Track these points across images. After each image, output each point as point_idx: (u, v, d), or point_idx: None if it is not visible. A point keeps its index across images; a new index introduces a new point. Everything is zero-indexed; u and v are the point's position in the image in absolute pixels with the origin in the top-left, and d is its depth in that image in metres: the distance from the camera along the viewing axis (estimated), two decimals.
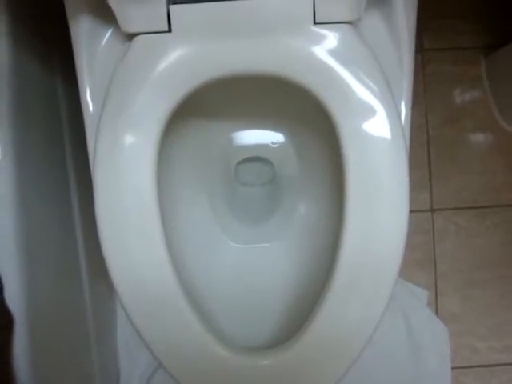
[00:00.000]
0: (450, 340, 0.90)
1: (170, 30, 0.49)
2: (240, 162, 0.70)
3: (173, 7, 0.49)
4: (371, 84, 0.50)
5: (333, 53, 0.50)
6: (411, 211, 0.50)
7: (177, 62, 0.49)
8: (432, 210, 0.93)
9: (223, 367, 0.49)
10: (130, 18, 0.49)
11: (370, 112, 0.50)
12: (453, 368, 0.91)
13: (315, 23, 0.50)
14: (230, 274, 0.67)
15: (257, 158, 0.70)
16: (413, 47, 0.54)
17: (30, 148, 0.58)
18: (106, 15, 0.51)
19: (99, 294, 0.80)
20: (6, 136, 0.53)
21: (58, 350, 0.64)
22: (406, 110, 0.55)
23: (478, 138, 0.94)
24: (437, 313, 0.93)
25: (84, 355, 0.74)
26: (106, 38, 0.53)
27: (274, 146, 0.69)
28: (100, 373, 0.78)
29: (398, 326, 0.89)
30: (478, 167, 0.93)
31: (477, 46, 0.93)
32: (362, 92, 0.50)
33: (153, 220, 0.50)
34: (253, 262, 0.68)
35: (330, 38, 0.50)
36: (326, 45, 0.50)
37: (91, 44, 0.53)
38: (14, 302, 0.53)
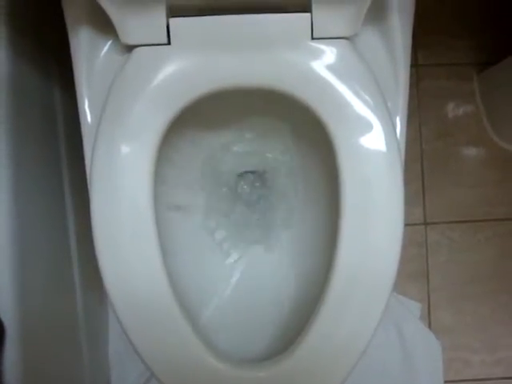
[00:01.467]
0: (443, 353, 0.90)
1: (169, 43, 0.50)
2: (236, 175, 0.70)
3: (172, 20, 0.49)
4: (367, 98, 0.50)
5: (330, 67, 0.50)
6: (405, 225, 0.50)
7: (175, 74, 0.50)
8: (425, 224, 0.94)
9: (217, 379, 0.49)
10: (130, 29, 0.49)
11: (366, 126, 0.50)
12: (445, 382, 0.91)
13: (313, 38, 0.50)
14: (224, 286, 0.66)
15: (253, 171, 0.70)
16: (408, 62, 0.55)
17: (26, 157, 0.58)
18: (105, 27, 0.51)
19: (92, 305, 0.80)
20: (3, 145, 0.53)
21: (49, 359, 0.63)
22: (401, 125, 0.55)
23: (471, 152, 0.95)
24: (430, 326, 0.93)
25: (76, 365, 0.73)
26: (105, 49, 0.53)
27: (271, 159, 0.69)
28: (91, 382, 0.77)
29: (390, 338, 0.89)
30: (471, 181, 0.94)
31: (470, 62, 0.95)
32: (359, 106, 0.50)
33: (148, 231, 0.50)
34: (247, 274, 0.68)
35: (328, 53, 0.50)
36: (324, 60, 0.50)
37: (90, 55, 0.53)
38: (6, 311, 0.52)
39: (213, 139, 0.67)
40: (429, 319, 0.93)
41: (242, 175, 0.70)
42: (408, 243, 0.91)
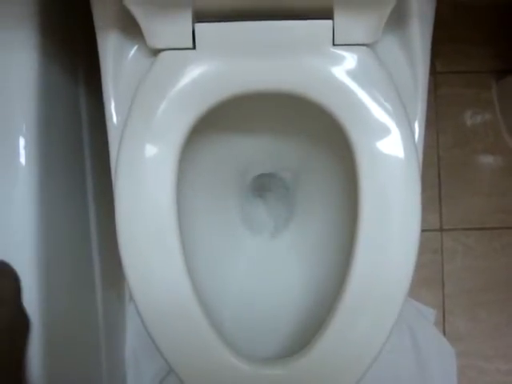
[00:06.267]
0: (457, 360, 0.90)
1: (194, 47, 0.51)
2: (255, 178, 0.72)
3: (198, 25, 0.51)
4: (387, 105, 0.51)
5: (350, 74, 0.51)
6: (421, 231, 0.51)
7: (200, 77, 0.51)
8: (441, 230, 0.94)
9: (236, 376, 0.50)
10: (157, 34, 0.51)
11: (385, 132, 0.51)
12: None
13: (334, 45, 0.51)
14: (241, 286, 0.67)
15: (271, 173, 0.71)
16: (427, 70, 0.56)
17: (52, 157, 0.59)
18: (132, 31, 0.53)
19: (110, 304, 0.81)
20: (31, 144, 0.54)
21: (69, 355, 0.64)
22: (419, 132, 0.56)
23: (488, 160, 0.95)
24: (444, 332, 0.93)
25: (94, 363, 0.74)
26: (132, 52, 0.55)
27: (289, 162, 0.70)
28: (108, 380, 0.78)
29: (404, 344, 0.88)
30: (488, 189, 0.94)
31: (488, 70, 0.95)
32: (378, 112, 0.51)
33: (172, 232, 0.51)
34: (264, 275, 0.69)
35: (348, 60, 0.51)
36: (344, 66, 0.51)
37: (117, 58, 0.54)
38: (31, 306, 0.53)
39: (233, 142, 0.68)
40: (443, 326, 0.93)
41: (261, 177, 0.71)
42: (423, 249, 0.92)
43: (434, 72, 0.94)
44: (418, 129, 0.56)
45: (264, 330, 0.63)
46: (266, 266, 0.69)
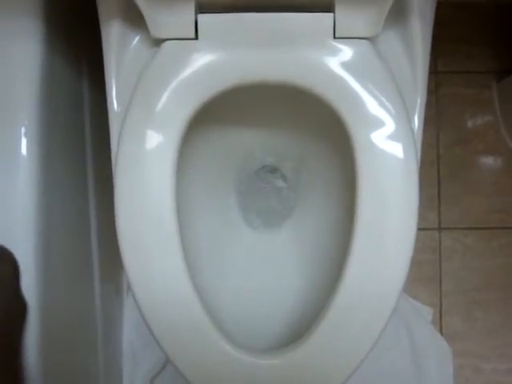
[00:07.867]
0: (453, 359, 0.90)
1: (196, 38, 0.52)
2: (254, 172, 0.72)
3: (201, 16, 0.51)
4: (386, 99, 0.51)
5: (350, 67, 0.51)
6: (419, 229, 0.51)
7: (202, 67, 0.51)
8: (440, 229, 0.94)
9: (233, 366, 0.51)
10: (160, 24, 0.51)
11: (384, 127, 0.51)
12: None
13: (335, 37, 0.52)
14: (239, 281, 0.68)
15: (271, 168, 0.71)
16: (427, 65, 0.56)
17: (53, 147, 0.60)
18: (136, 21, 0.54)
19: (108, 296, 0.81)
20: (33, 135, 0.55)
21: (66, 344, 0.64)
22: (418, 126, 0.56)
23: (488, 159, 0.96)
24: (441, 331, 0.93)
25: (91, 354, 0.75)
26: (135, 42, 0.55)
27: (289, 156, 0.70)
28: (104, 372, 0.78)
29: (401, 342, 0.88)
30: (487, 188, 0.95)
31: (489, 70, 0.95)
32: (377, 106, 0.51)
33: (171, 225, 0.51)
34: (262, 269, 0.69)
35: (348, 53, 0.52)
36: (344, 59, 0.52)
37: (121, 47, 0.55)
38: (29, 292, 0.54)
39: (231, 136, 0.68)
40: (440, 325, 0.93)
41: (260, 172, 0.71)
42: (422, 248, 0.92)
43: (435, 71, 0.94)
44: (416, 123, 0.56)
45: (261, 325, 0.63)
46: (264, 260, 0.70)
